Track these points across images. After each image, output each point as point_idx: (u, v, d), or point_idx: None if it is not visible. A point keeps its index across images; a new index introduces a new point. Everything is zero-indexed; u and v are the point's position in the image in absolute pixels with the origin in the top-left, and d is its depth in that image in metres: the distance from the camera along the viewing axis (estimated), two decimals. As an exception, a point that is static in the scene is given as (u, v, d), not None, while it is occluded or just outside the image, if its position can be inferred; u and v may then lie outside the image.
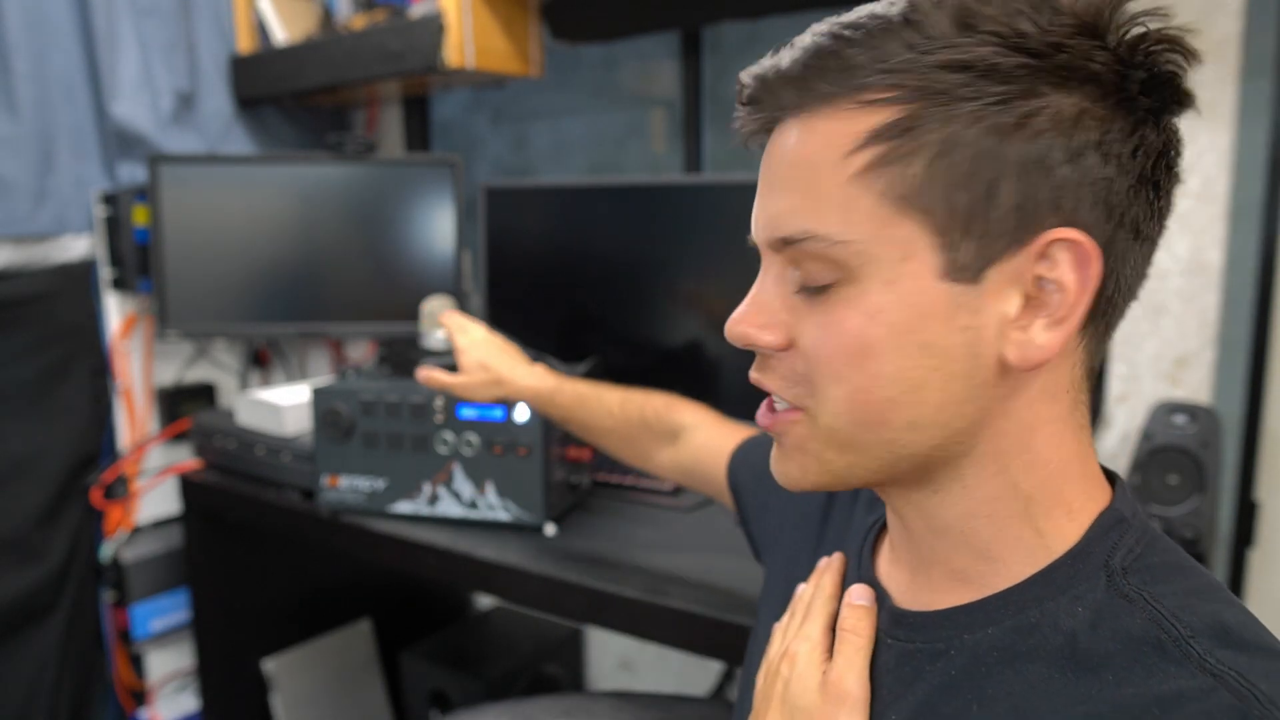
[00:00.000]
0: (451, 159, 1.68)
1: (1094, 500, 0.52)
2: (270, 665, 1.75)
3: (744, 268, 1.34)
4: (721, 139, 1.76)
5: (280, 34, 1.77)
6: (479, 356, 1.11)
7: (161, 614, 1.74)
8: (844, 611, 0.58)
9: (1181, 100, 0.48)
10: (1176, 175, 0.50)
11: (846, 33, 0.47)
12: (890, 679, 0.54)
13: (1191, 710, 0.41)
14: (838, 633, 0.58)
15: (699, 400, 1.36)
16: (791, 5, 1.44)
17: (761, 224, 0.52)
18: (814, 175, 0.48)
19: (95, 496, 1.68)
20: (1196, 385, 1.26)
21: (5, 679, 1.61)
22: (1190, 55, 0.46)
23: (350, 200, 1.69)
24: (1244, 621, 0.45)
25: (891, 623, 0.56)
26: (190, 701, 1.82)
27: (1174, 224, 1.34)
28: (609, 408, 1.03)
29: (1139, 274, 0.50)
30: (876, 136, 0.46)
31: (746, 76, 0.52)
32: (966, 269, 0.46)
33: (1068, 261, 0.46)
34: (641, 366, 1.42)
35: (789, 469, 0.55)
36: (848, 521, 0.68)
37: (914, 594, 0.56)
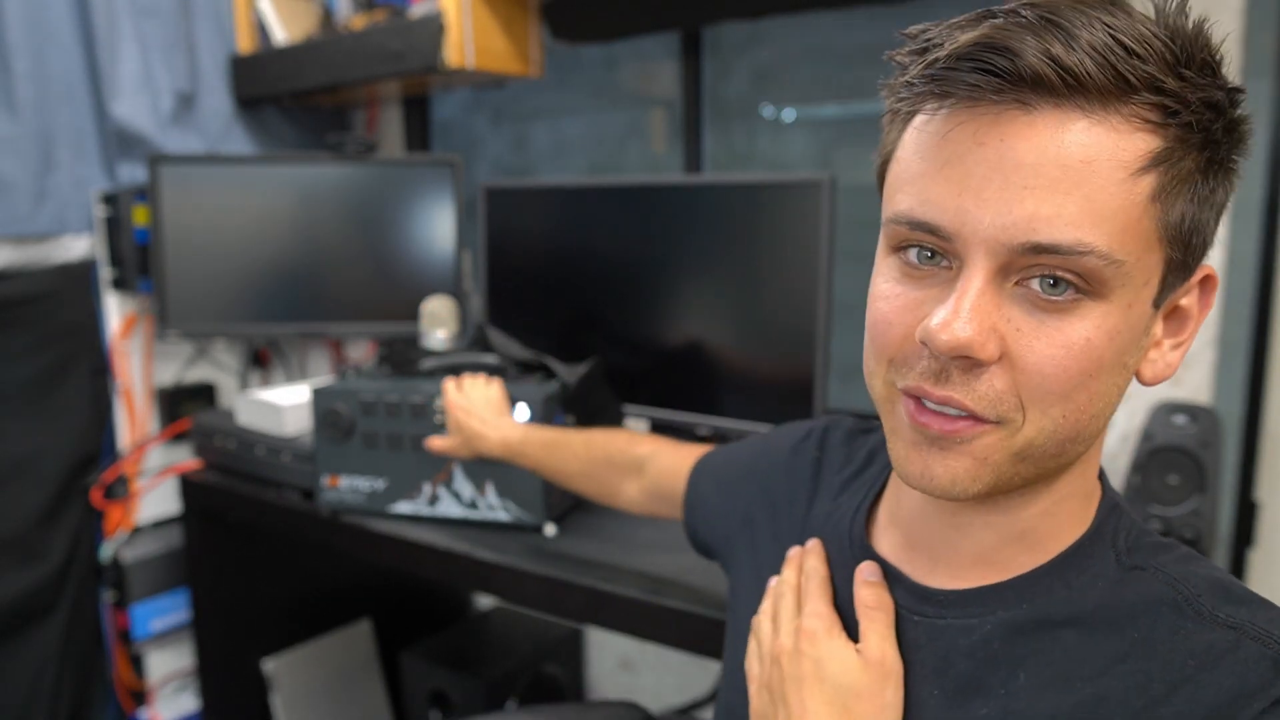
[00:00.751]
0: (451, 159, 1.68)
1: (1096, 489, 0.57)
2: (270, 665, 1.75)
3: (744, 268, 1.34)
4: (722, 139, 1.76)
5: (280, 34, 1.77)
6: (457, 416, 1.18)
7: (161, 614, 1.74)
8: (862, 590, 0.59)
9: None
10: None
11: (1131, 43, 0.44)
12: (924, 654, 0.56)
13: (1228, 663, 0.47)
14: (860, 609, 0.58)
15: (699, 400, 1.37)
16: (792, 5, 1.44)
17: (993, 222, 0.45)
18: (1097, 185, 0.44)
19: (95, 496, 1.68)
20: (1196, 385, 1.25)
21: (5, 679, 1.61)
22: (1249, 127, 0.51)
23: (350, 200, 1.69)
24: (1231, 579, 0.52)
25: (916, 599, 0.58)
26: (190, 701, 1.82)
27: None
28: (575, 450, 1.06)
29: None
30: (1159, 161, 0.45)
31: (994, 38, 0.44)
32: (1164, 297, 0.50)
33: (1198, 292, 0.52)
34: (641, 366, 1.42)
35: (956, 475, 0.50)
36: (827, 511, 0.69)
37: (935, 575, 0.58)
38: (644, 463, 0.98)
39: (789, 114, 1.70)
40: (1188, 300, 0.51)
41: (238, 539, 1.69)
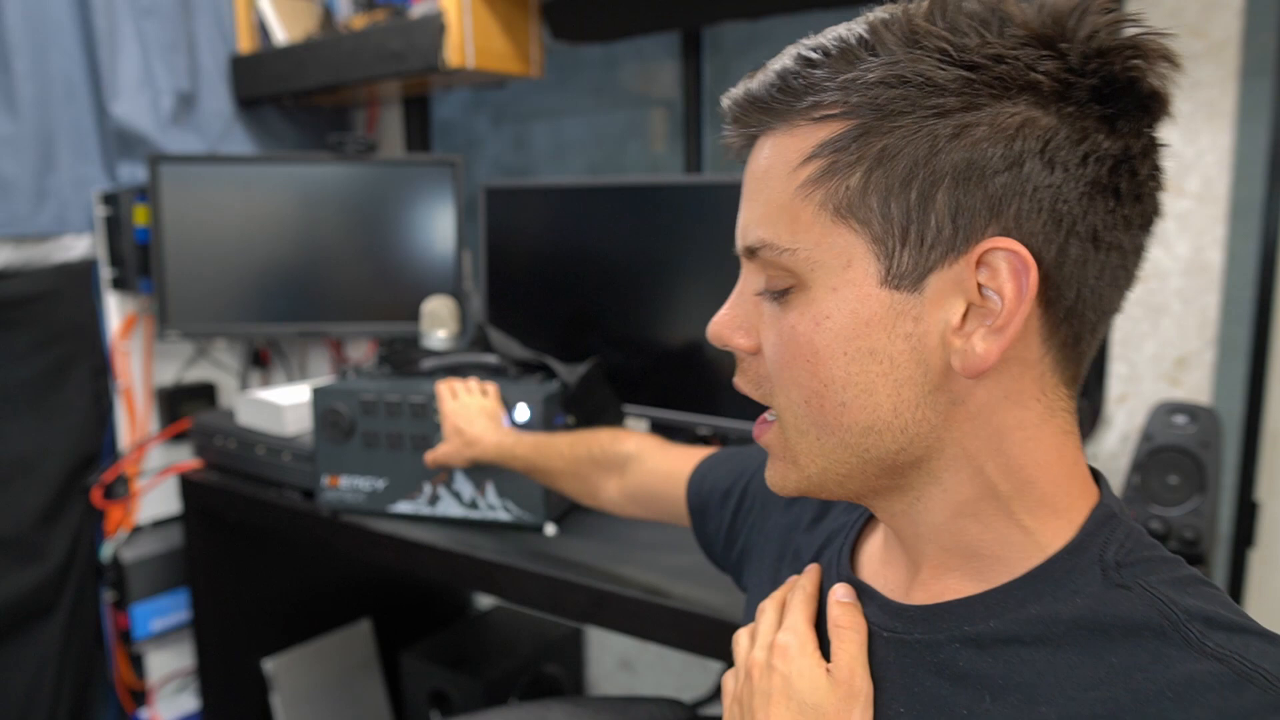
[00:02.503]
0: (451, 159, 1.68)
1: (1082, 499, 0.53)
2: (270, 665, 1.75)
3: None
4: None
5: (280, 34, 1.77)
6: (454, 423, 1.20)
7: (161, 614, 1.74)
8: (835, 610, 0.58)
9: (1147, 105, 0.47)
10: (1145, 181, 0.48)
11: (810, 54, 0.49)
12: (891, 670, 0.55)
13: (1207, 699, 0.43)
14: (831, 629, 0.58)
15: (699, 400, 1.37)
16: (791, 5, 1.44)
17: (738, 233, 0.55)
18: (768, 188, 0.51)
19: (95, 496, 1.68)
20: (1196, 385, 1.25)
21: (5, 679, 1.61)
22: (1158, 58, 0.46)
23: (350, 200, 1.69)
24: (1227, 605, 0.48)
25: (886, 616, 0.57)
26: (190, 701, 1.82)
27: (1174, 224, 1.34)
28: (560, 450, 1.07)
29: (1112, 283, 0.49)
30: (821, 149, 0.49)
31: (726, 98, 0.54)
32: (906, 277, 0.48)
33: (1006, 270, 0.46)
34: (641, 366, 1.42)
35: (772, 475, 0.58)
36: (830, 530, 0.69)
37: (907, 590, 0.57)
38: (627, 461, 0.98)
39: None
40: (993, 281, 0.46)
41: (238, 539, 1.69)
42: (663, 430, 1.49)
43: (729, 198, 1.30)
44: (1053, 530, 0.52)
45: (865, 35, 0.48)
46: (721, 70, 1.72)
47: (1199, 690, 0.44)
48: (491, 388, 1.25)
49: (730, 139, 0.55)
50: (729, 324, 0.56)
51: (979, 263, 0.47)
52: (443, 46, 1.49)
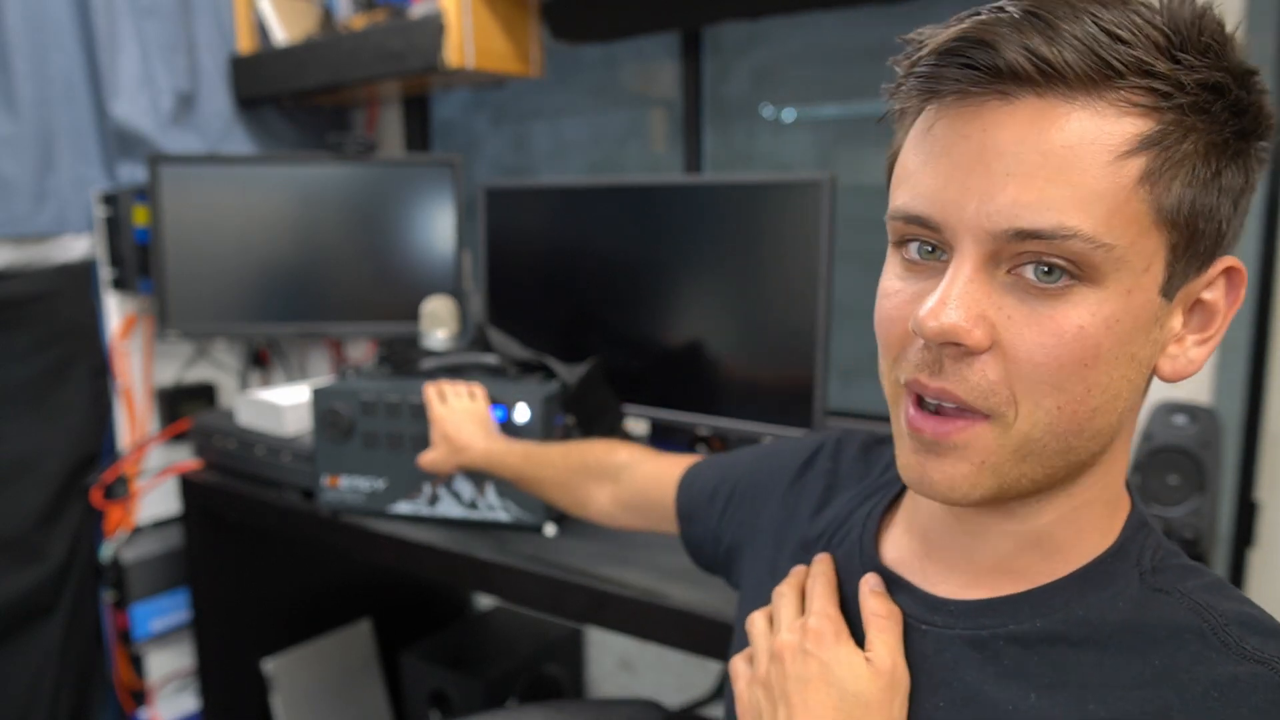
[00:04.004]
0: (451, 159, 1.68)
1: (1128, 500, 0.55)
2: (270, 665, 1.75)
3: (744, 268, 1.34)
4: (722, 139, 1.76)
5: (280, 34, 1.77)
6: (443, 429, 1.18)
7: (161, 614, 1.74)
8: (870, 600, 0.58)
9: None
10: None
11: (1101, 19, 0.44)
12: (932, 664, 0.54)
13: (1254, 699, 0.45)
14: (868, 618, 0.57)
15: (699, 400, 1.37)
16: (791, 5, 1.44)
17: (977, 209, 0.46)
18: (1080, 169, 0.45)
19: (95, 496, 1.68)
20: (1196, 385, 1.25)
21: (5, 679, 1.61)
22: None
23: (350, 200, 1.69)
24: (1259, 611, 0.49)
25: (925, 609, 0.56)
26: (190, 701, 1.82)
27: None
28: (552, 459, 1.05)
29: None
30: (1148, 144, 0.45)
31: (974, 33, 0.45)
32: (1173, 286, 0.48)
33: (1223, 285, 0.50)
34: (641, 366, 1.42)
35: (954, 481, 0.49)
36: (837, 519, 0.68)
37: (951, 586, 0.57)
38: (620, 470, 0.97)
39: (789, 114, 1.70)
40: (1212, 294, 0.50)
41: (238, 539, 1.69)
42: (663, 430, 1.49)
43: (729, 197, 1.30)
44: (1102, 531, 0.54)
45: (1167, 29, 0.45)
46: (721, 70, 1.72)
47: (1244, 691, 0.45)
48: (479, 390, 1.24)
49: (954, 84, 0.46)
50: (960, 315, 0.46)
51: (1211, 280, 0.49)
52: (443, 46, 1.49)
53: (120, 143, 1.68)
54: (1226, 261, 0.49)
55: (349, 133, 1.85)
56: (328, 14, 1.77)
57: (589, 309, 1.47)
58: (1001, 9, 0.46)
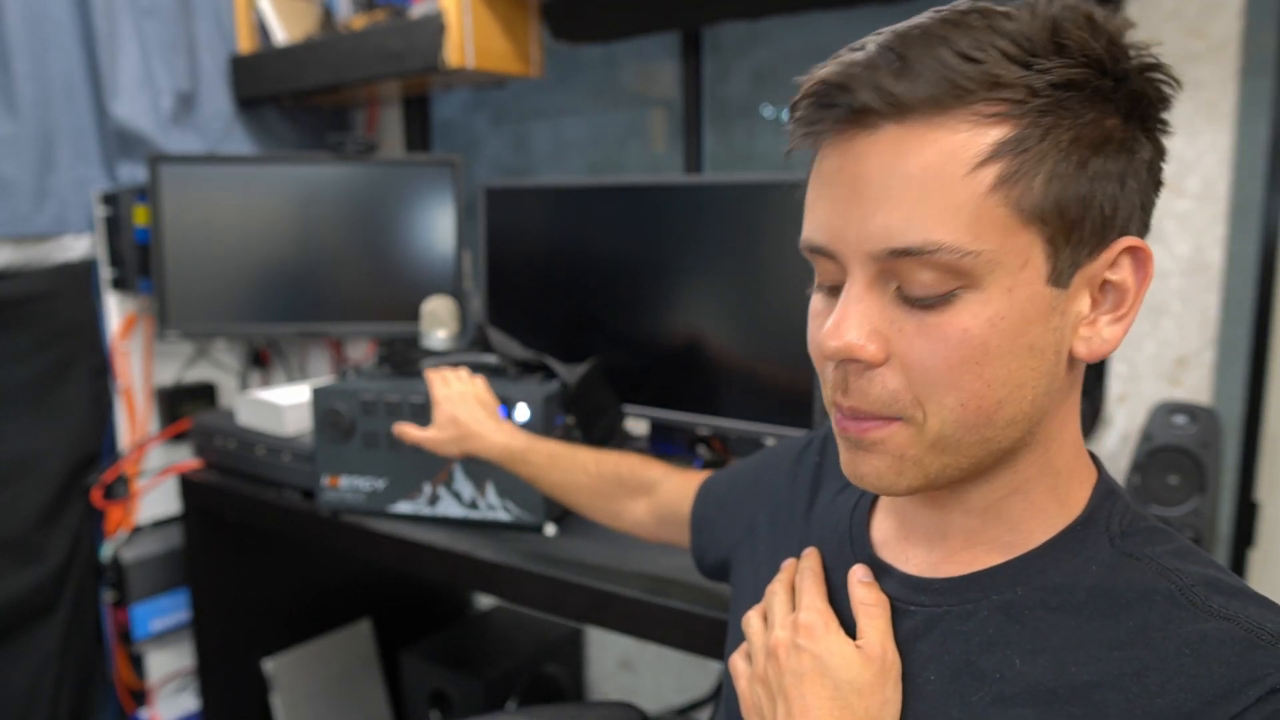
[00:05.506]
0: (451, 159, 1.68)
1: (1090, 471, 0.58)
2: (270, 665, 1.75)
3: (744, 268, 1.34)
4: (722, 139, 1.77)
5: (280, 34, 1.77)
6: (451, 411, 1.13)
7: (161, 614, 1.74)
8: (858, 590, 0.60)
9: (1165, 123, 0.53)
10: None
11: (947, 39, 0.48)
12: (921, 642, 0.57)
13: (1222, 653, 0.47)
14: (858, 607, 0.59)
15: (699, 400, 1.37)
16: (791, 5, 1.44)
17: (856, 235, 0.50)
18: (938, 187, 0.48)
19: (95, 496, 1.68)
20: (1196, 385, 1.25)
21: (5, 679, 1.61)
22: (1177, 84, 0.52)
23: (350, 200, 1.69)
24: (1223, 571, 0.53)
25: (911, 590, 0.59)
26: (190, 701, 1.82)
27: (1174, 224, 1.34)
28: (584, 465, 1.04)
29: None
30: (1001, 150, 0.48)
31: (835, 75, 0.50)
32: (1063, 274, 0.50)
33: (1129, 265, 0.52)
34: (641, 366, 1.42)
35: (881, 471, 0.54)
36: (825, 512, 0.70)
37: (932, 564, 0.59)
38: (655, 485, 0.99)
39: (789, 114, 1.70)
40: (1117, 275, 0.52)
41: (238, 539, 1.69)
42: (663, 430, 1.49)
43: (729, 197, 1.30)
44: (1075, 501, 0.57)
45: (1008, 29, 0.48)
46: (721, 70, 1.72)
47: (1214, 646, 0.48)
48: (479, 378, 1.22)
49: (820, 127, 0.51)
50: (858, 333, 0.51)
51: (1112, 261, 0.51)
52: (443, 46, 1.50)
53: (120, 143, 1.68)
54: (1125, 242, 0.51)
55: (349, 133, 1.85)
56: (328, 14, 1.77)
57: (589, 309, 1.47)
58: (863, 46, 0.50)
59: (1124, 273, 0.52)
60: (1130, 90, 0.49)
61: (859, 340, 0.51)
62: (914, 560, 0.61)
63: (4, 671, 1.61)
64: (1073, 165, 0.48)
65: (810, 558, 0.66)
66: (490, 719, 1.01)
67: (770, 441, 1.38)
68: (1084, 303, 0.52)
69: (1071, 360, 0.53)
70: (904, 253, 0.49)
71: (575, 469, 1.05)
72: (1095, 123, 0.49)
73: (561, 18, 1.70)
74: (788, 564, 0.68)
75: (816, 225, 0.53)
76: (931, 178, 0.48)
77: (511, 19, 1.59)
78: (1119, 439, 1.32)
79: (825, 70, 0.50)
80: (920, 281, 0.49)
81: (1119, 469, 1.29)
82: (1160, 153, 0.52)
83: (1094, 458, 0.60)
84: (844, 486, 0.70)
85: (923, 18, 0.49)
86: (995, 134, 0.48)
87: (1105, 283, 0.52)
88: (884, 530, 0.64)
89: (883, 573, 0.61)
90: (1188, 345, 1.26)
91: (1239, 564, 1.26)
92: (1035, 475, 0.56)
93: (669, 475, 0.98)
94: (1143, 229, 0.53)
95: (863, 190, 0.50)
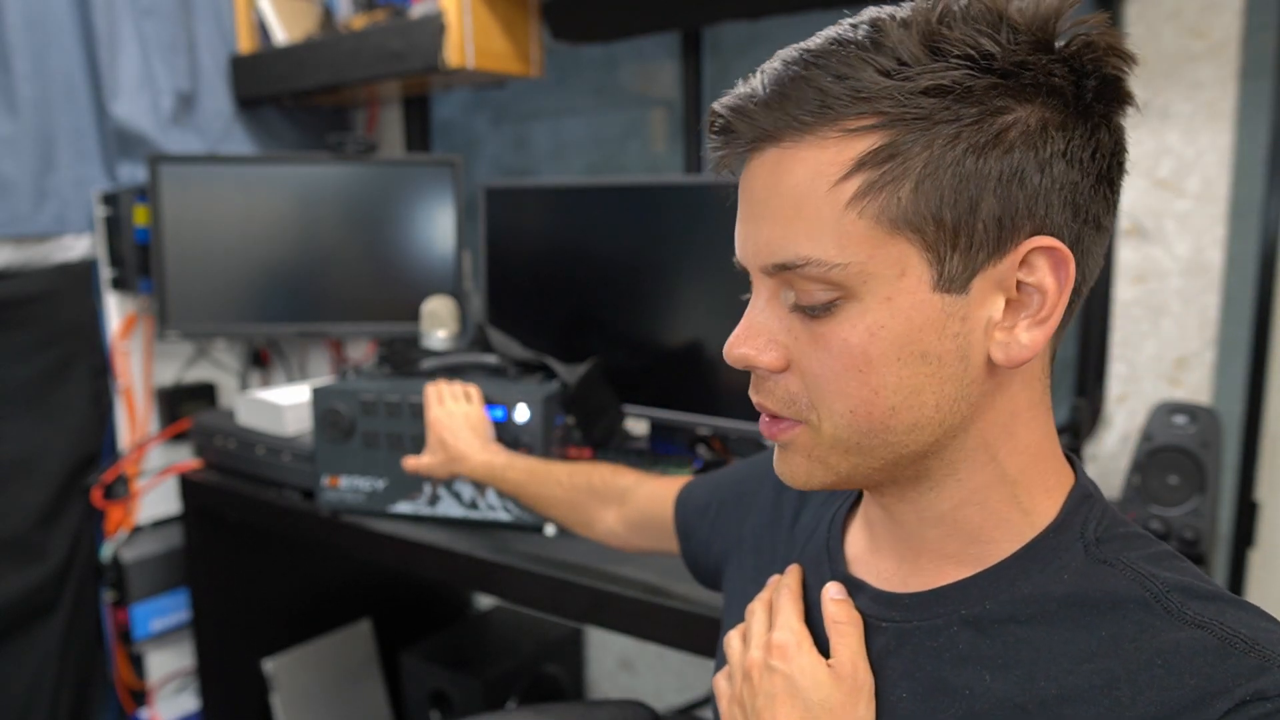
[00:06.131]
0: (451, 159, 1.68)
1: (1064, 477, 0.56)
2: (270, 665, 1.75)
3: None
4: (721, 139, 1.76)
5: (280, 34, 1.77)
6: (440, 435, 1.18)
7: (161, 614, 1.74)
8: (831, 607, 0.60)
9: (1125, 100, 0.50)
10: (1125, 170, 0.52)
11: (819, 60, 0.48)
12: (891, 659, 0.56)
13: (1195, 663, 0.46)
14: (829, 625, 0.59)
15: (699, 400, 1.37)
16: (791, 5, 1.44)
17: (750, 251, 0.53)
18: (806, 204, 0.50)
19: (95, 496, 1.68)
20: (1196, 385, 1.25)
21: (5, 679, 1.61)
22: (1128, 58, 0.49)
23: (350, 200, 1.69)
24: (1199, 577, 0.51)
25: (882, 606, 0.58)
26: (190, 701, 1.82)
27: (1174, 224, 1.33)
28: (558, 478, 1.06)
29: (1097, 261, 0.53)
30: (863, 163, 0.48)
31: (720, 107, 0.52)
32: (955, 280, 0.49)
33: (1046, 266, 0.49)
34: (641, 366, 1.42)
35: (795, 469, 0.56)
36: (809, 526, 0.70)
37: (902, 579, 0.59)
38: (625, 493, 0.99)
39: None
40: (1031, 277, 0.49)
41: (238, 539, 1.69)
42: (663, 430, 1.49)
43: (729, 198, 1.30)
44: (1043, 509, 0.55)
45: (877, 39, 0.47)
46: (721, 70, 1.72)
47: (1186, 656, 0.47)
48: (474, 391, 1.24)
49: (721, 152, 0.54)
50: (753, 344, 0.54)
51: (1021, 262, 0.49)
52: (443, 46, 1.49)
53: (120, 143, 1.68)
54: (1034, 242, 0.48)
55: (349, 133, 1.85)
56: (328, 14, 1.77)
57: (589, 309, 1.47)
58: (749, 76, 0.52)
59: (1040, 274, 0.49)
60: (1030, 82, 0.47)
61: (753, 351, 0.54)
62: (884, 574, 0.60)
63: (4, 671, 1.60)
64: (946, 169, 0.47)
65: (790, 575, 0.65)
66: (499, 716, 1.01)
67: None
68: (995, 307, 0.50)
69: (992, 366, 0.51)
70: (783, 267, 0.51)
71: (550, 482, 1.06)
72: (982, 123, 0.47)
73: (561, 18, 1.70)
74: (771, 581, 0.67)
75: (736, 243, 0.56)
76: (800, 195, 0.50)
77: (511, 19, 1.59)
78: (1119, 439, 1.32)
79: (719, 103, 0.53)
80: (807, 292, 0.51)
81: (1119, 469, 1.29)
82: (1095, 145, 0.49)
83: (1071, 461, 0.58)
84: (825, 499, 0.70)
85: (816, 37, 0.50)
86: (860, 147, 0.48)
87: (1021, 284, 0.50)
88: (857, 545, 0.64)
89: (856, 589, 0.61)
90: (1188, 345, 1.26)
91: (1239, 564, 1.26)
92: (986, 484, 0.54)
93: (641, 482, 0.98)
94: (1073, 225, 0.49)
95: (753, 209, 0.53)
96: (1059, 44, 0.48)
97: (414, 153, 2.02)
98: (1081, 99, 0.48)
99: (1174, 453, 1.13)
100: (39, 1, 1.57)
